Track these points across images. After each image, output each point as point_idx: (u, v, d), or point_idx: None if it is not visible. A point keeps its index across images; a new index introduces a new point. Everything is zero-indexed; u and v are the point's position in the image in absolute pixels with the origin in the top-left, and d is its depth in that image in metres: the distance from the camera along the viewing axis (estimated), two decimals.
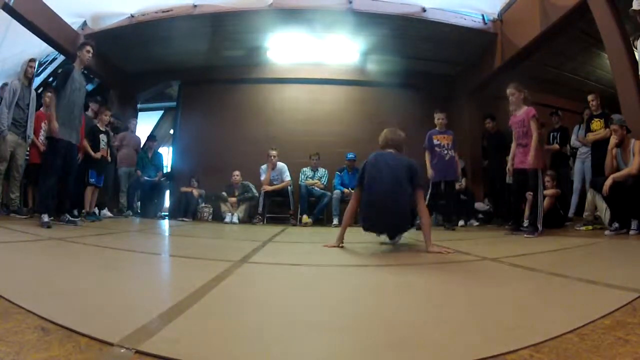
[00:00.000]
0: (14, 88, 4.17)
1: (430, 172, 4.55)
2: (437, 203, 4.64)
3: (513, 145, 3.73)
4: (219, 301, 1.00)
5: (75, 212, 3.92)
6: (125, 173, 5.87)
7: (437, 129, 4.70)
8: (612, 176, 3.39)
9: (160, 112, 9.84)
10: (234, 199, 5.86)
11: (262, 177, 5.86)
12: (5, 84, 4.73)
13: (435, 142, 4.60)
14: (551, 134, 5.31)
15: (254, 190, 5.96)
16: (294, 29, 5.95)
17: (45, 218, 3.14)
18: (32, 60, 4.36)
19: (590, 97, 4.53)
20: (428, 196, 4.53)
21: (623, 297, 0.98)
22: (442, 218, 4.92)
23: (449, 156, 4.57)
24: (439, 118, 4.69)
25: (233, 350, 0.65)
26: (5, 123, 4.05)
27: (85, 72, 3.80)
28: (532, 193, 3.54)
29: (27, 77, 4.31)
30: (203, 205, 6.19)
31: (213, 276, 1.28)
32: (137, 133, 6.51)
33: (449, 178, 4.57)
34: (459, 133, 6.60)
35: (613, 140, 3.62)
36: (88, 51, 3.56)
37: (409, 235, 2.77)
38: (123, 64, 6.81)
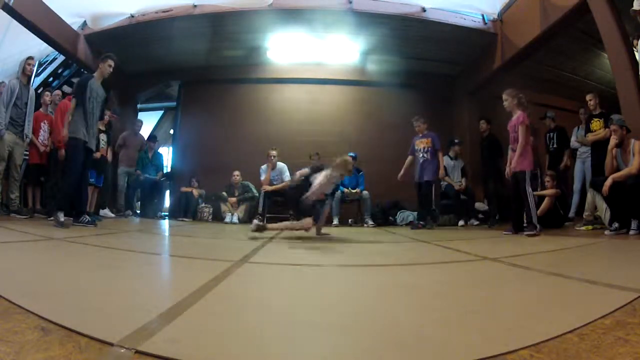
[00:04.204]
0: (12, 87, 4.16)
1: (401, 173, 4.92)
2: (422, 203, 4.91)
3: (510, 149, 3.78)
4: (219, 301, 1.00)
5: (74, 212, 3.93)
6: (124, 173, 5.87)
7: (419, 135, 5.01)
8: (612, 176, 3.39)
9: (160, 112, 9.85)
10: (234, 199, 5.86)
11: (262, 177, 5.86)
12: (1, 83, 4.73)
13: (416, 147, 4.96)
14: (547, 135, 5.27)
15: (254, 190, 5.96)
16: (294, 29, 5.95)
17: (62, 217, 3.15)
18: (31, 58, 4.35)
19: (588, 97, 4.52)
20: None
21: (623, 297, 0.98)
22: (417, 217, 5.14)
23: (423, 159, 4.83)
24: (416, 126, 4.99)
25: (233, 350, 0.65)
26: (2, 122, 4.04)
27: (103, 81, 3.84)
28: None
29: (26, 75, 4.30)
30: (203, 205, 6.19)
31: (213, 276, 1.28)
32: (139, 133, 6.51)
33: (425, 179, 4.79)
34: (458, 133, 6.63)
35: (613, 140, 3.62)
36: (110, 65, 3.63)
37: (409, 234, 2.76)
38: (123, 64, 6.76)
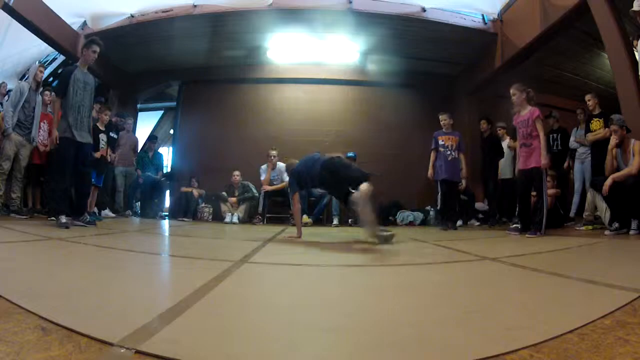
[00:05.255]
0: (22, 89, 4.21)
1: (430, 172, 4.58)
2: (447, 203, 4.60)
3: (517, 144, 3.72)
4: (219, 301, 1.00)
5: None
6: (122, 172, 5.87)
7: (443, 130, 4.68)
8: (612, 176, 3.39)
9: (160, 112, 9.85)
10: (234, 199, 5.86)
11: (262, 177, 5.86)
12: (2, 83, 4.77)
13: (440, 142, 4.60)
14: (550, 136, 5.27)
15: (254, 190, 5.96)
16: (294, 29, 5.95)
17: (63, 219, 3.11)
18: (42, 65, 4.45)
19: (587, 97, 4.53)
20: (439, 197, 4.58)
21: (623, 297, 0.98)
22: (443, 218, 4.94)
23: (452, 157, 4.53)
24: (443, 119, 4.65)
25: (233, 351, 0.65)
26: (10, 122, 4.08)
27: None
28: (536, 193, 3.54)
29: (36, 80, 4.37)
30: (203, 205, 6.20)
31: (213, 276, 1.28)
32: (138, 133, 6.51)
33: (452, 179, 4.54)
34: None
35: (613, 140, 3.62)
36: (94, 51, 3.42)
37: (409, 234, 2.75)
38: (123, 64, 6.81)
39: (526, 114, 3.53)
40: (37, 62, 5.44)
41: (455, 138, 4.61)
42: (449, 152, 4.54)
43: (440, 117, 4.70)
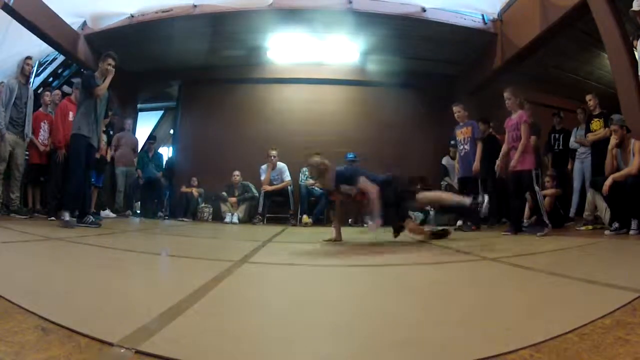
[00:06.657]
0: (11, 86, 4.16)
1: (456, 167, 4.54)
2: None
3: (505, 146, 3.75)
4: (219, 301, 1.00)
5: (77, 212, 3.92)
6: (122, 172, 5.87)
7: (459, 123, 4.48)
8: (612, 176, 3.39)
9: (161, 112, 9.85)
10: (234, 199, 5.86)
11: (262, 177, 5.86)
12: (0, 83, 4.74)
13: (457, 138, 4.46)
14: (552, 135, 5.28)
15: (254, 190, 5.96)
16: (294, 29, 5.95)
17: (67, 217, 3.11)
18: (29, 57, 4.34)
19: (588, 98, 4.54)
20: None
21: (623, 297, 0.98)
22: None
23: (464, 151, 4.34)
24: (456, 112, 4.44)
25: (233, 351, 0.65)
26: (2, 122, 4.05)
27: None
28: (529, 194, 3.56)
29: (25, 74, 4.30)
30: (203, 205, 6.20)
31: (213, 276, 1.28)
32: (138, 133, 6.51)
33: (466, 175, 4.33)
34: None
35: (613, 140, 3.62)
36: (110, 64, 3.49)
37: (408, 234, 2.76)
38: (123, 64, 6.77)
39: (515, 118, 3.60)
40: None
41: (468, 129, 4.37)
42: (461, 147, 4.38)
43: (453, 109, 4.50)
